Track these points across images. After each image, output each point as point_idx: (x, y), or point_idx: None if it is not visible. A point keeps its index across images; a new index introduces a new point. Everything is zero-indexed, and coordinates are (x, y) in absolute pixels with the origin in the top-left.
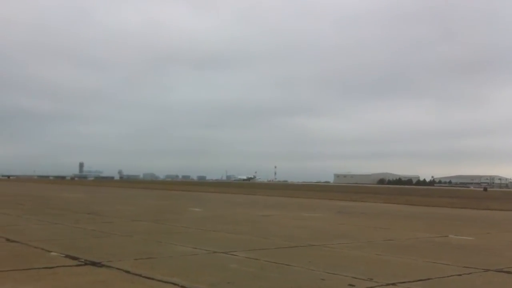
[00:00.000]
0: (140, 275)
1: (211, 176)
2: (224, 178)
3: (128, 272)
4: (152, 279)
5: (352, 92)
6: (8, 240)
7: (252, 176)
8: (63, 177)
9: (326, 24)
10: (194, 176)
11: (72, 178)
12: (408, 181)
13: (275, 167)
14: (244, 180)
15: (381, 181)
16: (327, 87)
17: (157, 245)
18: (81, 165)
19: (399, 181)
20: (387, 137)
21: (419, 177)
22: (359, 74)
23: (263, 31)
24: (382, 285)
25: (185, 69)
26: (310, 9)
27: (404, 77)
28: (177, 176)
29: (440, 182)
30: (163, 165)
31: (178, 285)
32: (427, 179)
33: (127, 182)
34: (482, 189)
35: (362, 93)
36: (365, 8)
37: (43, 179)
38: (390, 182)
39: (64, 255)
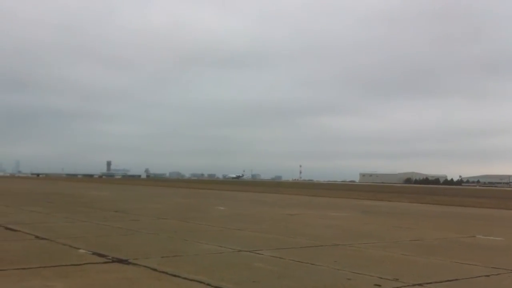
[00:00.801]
0: (166, 273)
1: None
2: (250, 177)
3: (154, 269)
4: (178, 276)
5: (378, 90)
6: (37, 237)
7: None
8: (91, 175)
9: (350, 22)
10: (219, 174)
11: (100, 177)
12: (435, 181)
13: (300, 166)
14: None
15: (408, 181)
16: (352, 86)
17: (183, 243)
18: (108, 164)
19: (426, 180)
20: (414, 136)
21: (446, 176)
22: (385, 72)
23: (287, 31)
24: (408, 286)
25: (209, 69)
26: (333, 8)
27: (431, 75)
28: (202, 174)
29: (467, 181)
30: (188, 164)
31: (203, 283)
32: (455, 179)
33: (154, 180)
34: (511, 188)
35: (388, 91)
36: (389, 5)
37: (72, 177)
38: (416, 181)
39: (91, 253)
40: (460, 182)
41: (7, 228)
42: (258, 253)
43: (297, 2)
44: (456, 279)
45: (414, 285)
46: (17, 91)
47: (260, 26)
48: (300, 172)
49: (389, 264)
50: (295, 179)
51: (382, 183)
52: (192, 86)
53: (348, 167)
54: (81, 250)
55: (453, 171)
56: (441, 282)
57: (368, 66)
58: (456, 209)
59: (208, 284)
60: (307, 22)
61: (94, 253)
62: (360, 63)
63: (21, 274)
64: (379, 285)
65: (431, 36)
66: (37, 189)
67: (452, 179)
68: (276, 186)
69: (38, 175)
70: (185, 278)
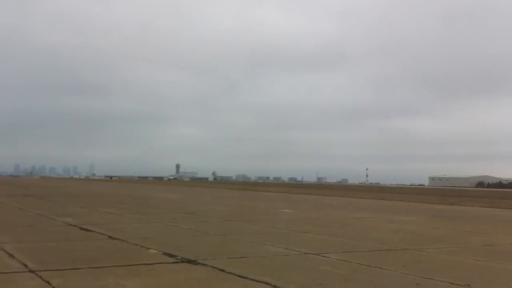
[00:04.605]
0: (233, 274)
1: (303, 178)
2: (315, 180)
3: (222, 270)
4: (245, 278)
5: (452, 90)
6: (110, 237)
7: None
8: (160, 178)
9: (424, 19)
10: (285, 177)
11: (169, 179)
12: (510, 185)
13: (367, 169)
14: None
15: (480, 184)
16: (425, 86)
17: (249, 245)
18: (177, 167)
19: (499, 184)
20: (488, 138)
21: None
22: (460, 72)
23: (360, 31)
24: None
25: (278, 72)
26: (407, 5)
27: (507, 73)
28: (268, 177)
29: None
30: (255, 167)
31: (270, 284)
32: None
33: (220, 183)
34: None
35: (463, 91)
36: (465, 1)
37: (143, 180)
38: (489, 185)
39: (162, 253)
40: None
41: (82, 229)
42: (324, 256)
43: (371, 1)
44: None
45: None
46: (92, 97)
47: (333, 27)
48: (367, 176)
49: (460, 270)
50: (361, 182)
51: (453, 186)
52: (260, 89)
53: (417, 171)
54: (152, 250)
55: None
56: None
57: (445, 66)
58: None
59: (275, 286)
60: (379, 20)
61: (164, 253)
62: (436, 63)
63: (96, 272)
64: None
65: (507, 33)
66: (110, 191)
67: None
68: (342, 189)
69: (111, 177)
70: (252, 279)
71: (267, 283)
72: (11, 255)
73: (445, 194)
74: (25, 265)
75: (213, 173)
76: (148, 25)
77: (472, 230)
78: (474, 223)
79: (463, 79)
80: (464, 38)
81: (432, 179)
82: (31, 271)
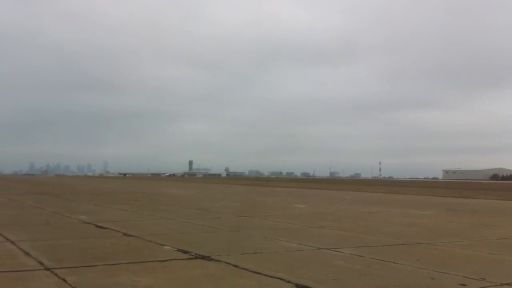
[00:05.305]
0: (247, 270)
1: (316, 173)
2: (328, 174)
3: (236, 266)
4: (259, 273)
5: (464, 82)
6: (125, 234)
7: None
8: (173, 175)
9: (440, 11)
10: (297, 172)
11: (182, 176)
12: None
13: (380, 163)
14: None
15: (494, 177)
16: (439, 78)
17: (263, 240)
18: (190, 163)
19: None
20: (501, 130)
21: None
22: (473, 64)
23: (368, 24)
24: (496, 285)
25: (289, 66)
26: None
27: None
28: (281, 173)
29: None
30: (267, 162)
31: (284, 280)
32: None
33: (233, 179)
34: None
35: (475, 83)
36: None
37: (156, 177)
38: (504, 178)
39: (176, 249)
40: None
41: (97, 226)
42: (338, 251)
43: None
44: None
45: (502, 284)
46: (102, 94)
47: (344, 19)
48: (380, 170)
49: (475, 263)
50: (374, 177)
51: (467, 179)
52: (272, 84)
53: (430, 164)
54: (166, 247)
55: None
56: None
57: (459, 57)
58: None
59: (289, 281)
60: (387, 13)
61: (178, 250)
62: (450, 54)
63: (111, 269)
64: (465, 285)
65: None
66: (124, 189)
67: None
68: (355, 183)
69: (125, 174)
70: (265, 275)
71: (281, 279)
72: (27, 253)
73: (459, 187)
74: (41, 263)
75: (226, 169)
76: (155, 21)
77: (487, 223)
78: (489, 216)
79: (475, 70)
80: (475, 29)
81: (446, 172)
82: (47, 269)
